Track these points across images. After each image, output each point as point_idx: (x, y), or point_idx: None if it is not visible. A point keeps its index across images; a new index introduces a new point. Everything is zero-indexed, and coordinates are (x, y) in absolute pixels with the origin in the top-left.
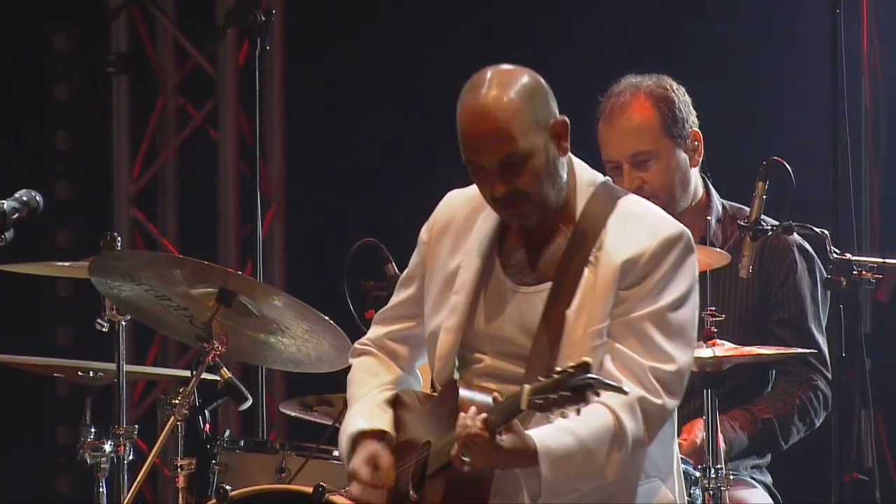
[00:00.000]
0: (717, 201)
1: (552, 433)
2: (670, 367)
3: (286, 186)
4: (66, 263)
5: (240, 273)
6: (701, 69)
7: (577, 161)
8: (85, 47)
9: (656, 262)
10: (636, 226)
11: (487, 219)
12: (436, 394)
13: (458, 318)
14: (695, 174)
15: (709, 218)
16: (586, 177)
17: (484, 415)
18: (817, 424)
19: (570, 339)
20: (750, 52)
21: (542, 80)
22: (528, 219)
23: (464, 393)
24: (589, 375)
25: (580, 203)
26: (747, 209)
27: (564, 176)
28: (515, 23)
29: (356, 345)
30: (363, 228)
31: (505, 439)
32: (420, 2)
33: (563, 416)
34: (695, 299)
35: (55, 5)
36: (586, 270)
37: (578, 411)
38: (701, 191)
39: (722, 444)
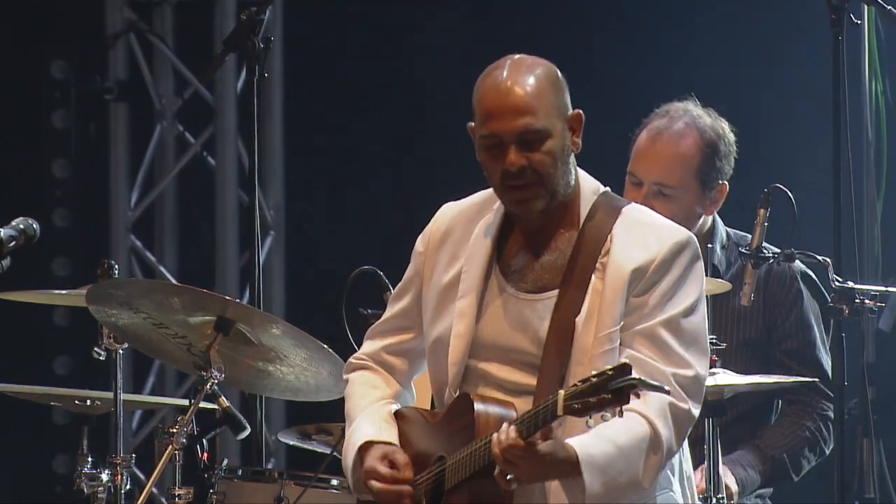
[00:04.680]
0: (722, 228)
1: (592, 441)
2: (690, 373)
3: (285, 214)
4: (64, 292)
5: (238, 301)
6: (702, 94)
7: (580, 169)
8: (83, 75)
9: (666, 269)
10: (643, 233)
11: (486, 224)
12: (441, 410)
13: (467, 322)
14: (703, 218)
15: (710, 245)
16: (589, 184)
17: (514, 425)
18: (828, 452)
19: (580, 347)
20: (752, 77)
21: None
22: (535, 203)
23: (479, 407)
24: (633, 376)
25: (584, 209)
26: (750, 237)
27: (573, 173)
28: (518, 48)
29: (351, 359)
30: (362, 256)
31: (543, 446)
32: (421, 28)
33: (604, 419)
34: (703, 306)
35: (53, 32)
36: (594, 277)
37: (621, 413)
38: (709, 221)
39: (735, 486)
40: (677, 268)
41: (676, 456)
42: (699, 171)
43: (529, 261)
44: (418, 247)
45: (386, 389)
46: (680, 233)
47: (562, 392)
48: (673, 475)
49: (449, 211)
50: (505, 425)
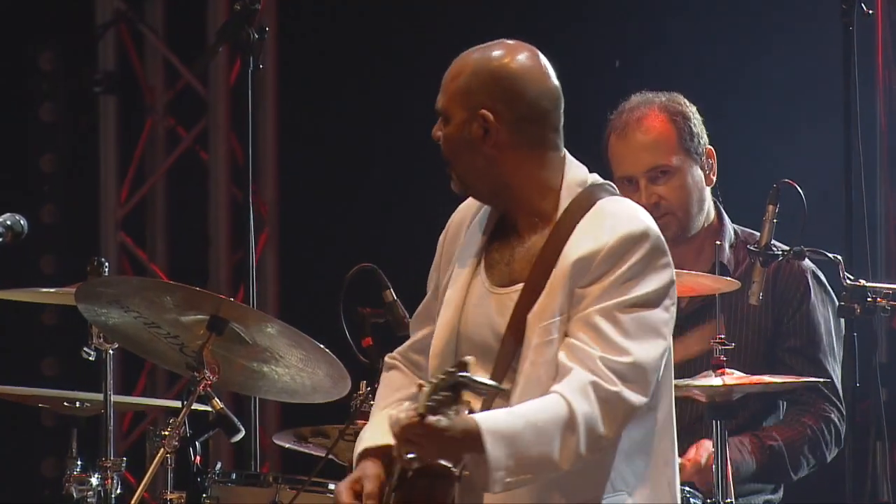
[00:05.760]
0: (729, 226)
1: (497, 414)
2: (623, 359)
3: (280, 209)
4: (52, 290)
5: (232, 299)
6: (710, 89)
7: (570, 161)
8: (71, 66)
9: (614, 260)
10: (602, 224)
11: (484, 217)
12: None
13: (451, 313)
14: (708, 195)
15: (718, 243)
16: (576, 176)
17: (414, 405)
18: (828, 459)
19: (528, 341)
20: (760, 71)
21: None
22: (455, 186)
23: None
24: (460, 374)
25: (563, 203)
26: (759, 234)
27: (545, 165)
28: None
29: (386, 358)
30: (360, 253)
31: (441, 421)
32: (419, 20)
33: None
34: (667, 302)
35: (40, 23)
36: (553, 271)
37: (471, 411)
38: (713, 214)
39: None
40: (629, 260)
41: (646, 461)
42: (681, 141)
43: (507, 254)
44: (440, 239)
45: (407, 390)
46: (636, 224)
47: (426, 388)
48: (640, 480)
49: (467, 203)
50: (406, 404)
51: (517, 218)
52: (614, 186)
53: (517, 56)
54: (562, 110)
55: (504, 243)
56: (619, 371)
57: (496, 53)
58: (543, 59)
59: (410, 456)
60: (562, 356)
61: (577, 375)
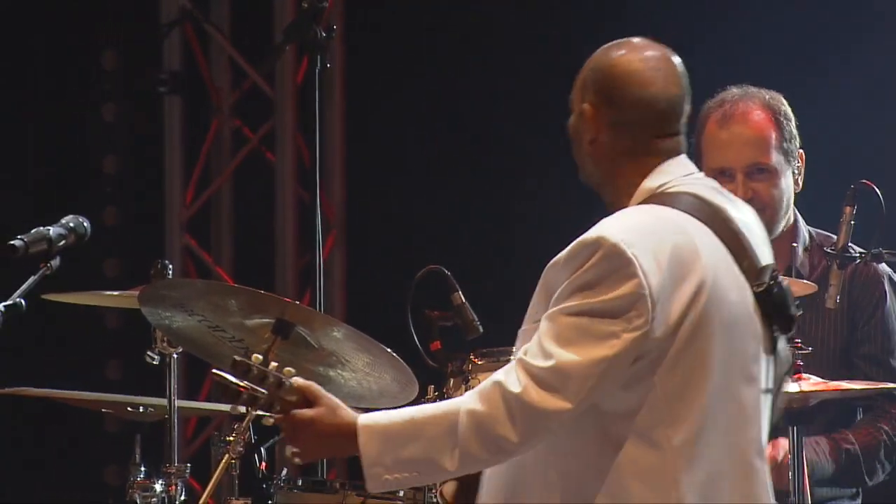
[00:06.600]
0: (804, 228)
1: (380, 413)
2: (542, 363)
3: (347, 211)
4: (115, 293)
5: (298, 303)
6: (784, 87)
7: (661, 168)
8: (135, 66)
9: (569, 267)
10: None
11: None
12: None
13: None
14: (792, 199)
15: (794, 245)
16: (650, 185)
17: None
18: (881, 477)
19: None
20: (833, 71)
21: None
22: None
23: None
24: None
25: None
26: (835, 237)
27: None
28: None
29: None
30: (428, 255)
31: (308, 411)
32: (487, 18)
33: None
34: (630, 314)
35: (104, 21)
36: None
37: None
38: (791, 217)
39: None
40: (578, 266)
41: (625, 480)
42: (780, 142)
43: None
44: None
45: None
46: (594, 231)
47: None
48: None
49: None
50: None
51: None
52: (692, 194)
53: (634, 57)
54: (678, 114)
55: None
56: (535, 374)
57: (615, 52)
58: (665, 63)
59: (294, 450)
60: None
61: (491, 377)
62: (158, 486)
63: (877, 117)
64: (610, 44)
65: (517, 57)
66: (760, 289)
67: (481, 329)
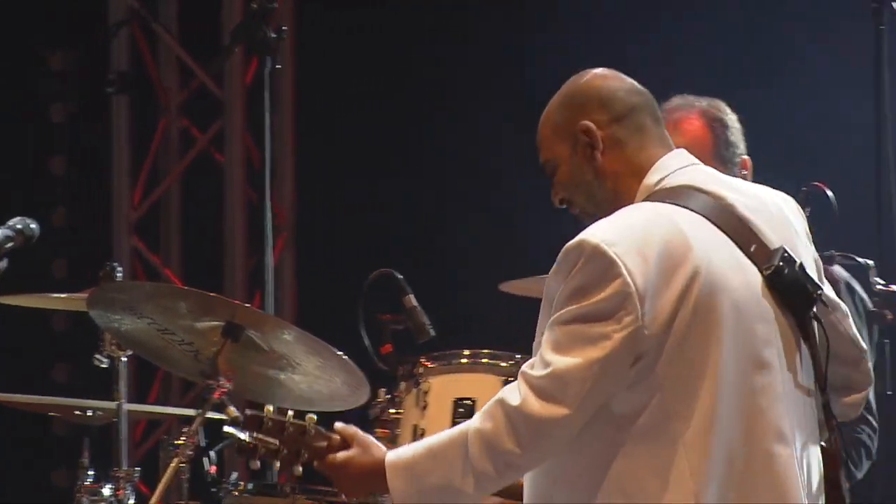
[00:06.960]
0: None
1: (405, 447)
2: (541, 372)
3: (297, 213)
4: (63, 295)
5: (247, 305)
6: (737, 89)
7: (661, 164)
8: (83, 66)
9: (560, 277)
10: None
11: None
12: None
13: None
14: None
15: None
16: (650, 182)
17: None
18: (859, 476)
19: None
20: (790, 72)
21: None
22: (584, 218)
23: None
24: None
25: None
26: None
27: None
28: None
29: None
30: (379, 258)
31: (336, 456)
32: (436, 21)
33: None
34: (620, 314)
35: (52, 22)
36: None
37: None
38: None
39: None
40: (566, 274)
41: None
42: (716, 149)
43: None
44: None
45: None
46: (578, 237)
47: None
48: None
49: None
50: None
51: None
52: (690, 185)
53: (596, 74)
54: (657, 108)
55: None
56: (534, 384)
57: (564, 87)
58: (624, 79)
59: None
60: None
61: (496, 396)
62: (107, 490)
63: (830, 117)
64: (565, 83)
65: (470, 56)
66: (769, 272)
67: (433, 332)
